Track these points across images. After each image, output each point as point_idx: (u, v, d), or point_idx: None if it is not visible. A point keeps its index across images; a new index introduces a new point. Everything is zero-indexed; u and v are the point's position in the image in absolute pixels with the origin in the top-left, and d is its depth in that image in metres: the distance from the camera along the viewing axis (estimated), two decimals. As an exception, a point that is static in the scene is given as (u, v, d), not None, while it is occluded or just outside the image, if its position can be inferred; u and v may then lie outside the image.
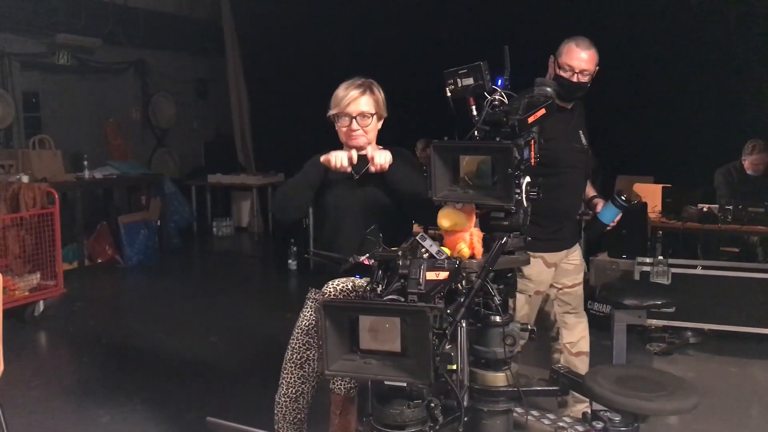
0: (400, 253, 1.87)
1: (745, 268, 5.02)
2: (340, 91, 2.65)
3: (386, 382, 1.73)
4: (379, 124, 2.72)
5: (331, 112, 2.66)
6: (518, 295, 3.21)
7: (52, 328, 5.60)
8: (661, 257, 5.01)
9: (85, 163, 7.63)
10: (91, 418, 3.88)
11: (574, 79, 3.10)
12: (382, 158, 2.56)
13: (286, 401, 2.73)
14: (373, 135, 2.70)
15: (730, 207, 5.00)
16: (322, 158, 2.63)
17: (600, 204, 3.37)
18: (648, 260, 4.96)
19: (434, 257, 1.89)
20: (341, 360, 1.69)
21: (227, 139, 10.46)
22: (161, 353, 4.94)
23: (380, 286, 1.85)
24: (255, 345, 5.15)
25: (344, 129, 2.66)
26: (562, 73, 3.12)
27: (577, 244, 3.49)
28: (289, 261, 7.48)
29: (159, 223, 8.28)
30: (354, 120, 2.63)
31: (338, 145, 2.70)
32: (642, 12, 6.75)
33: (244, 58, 9.90)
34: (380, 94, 2.69)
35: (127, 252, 7.70)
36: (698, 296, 4.79)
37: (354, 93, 2.62)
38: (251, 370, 4.62)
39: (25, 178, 6.24)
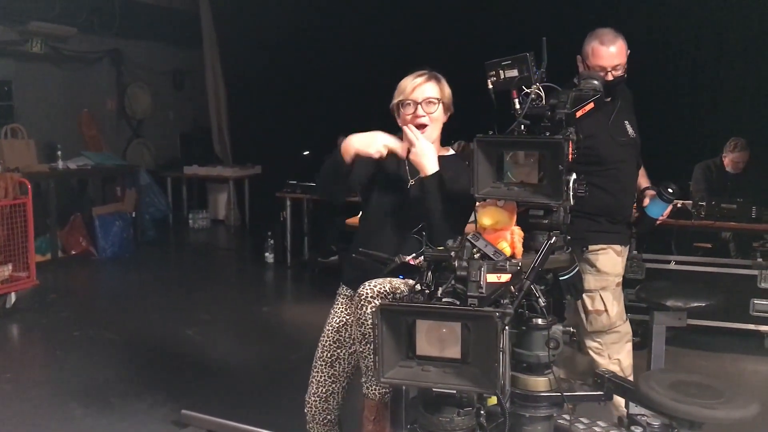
0: (453, 253, 1.77)
1: (718, 264, 5.10)
2: (405, 80, 2.59)
3: (434, 389, 1.65)
4: (445, 118, 2.61)
5: (395, 100, 2.57)
6: (605, 294, 3.14)
7: (24, 321, 5.53)
8: (635, 252, 5.07)
9: (59, 153, 7.52)
10: (64, 412, 3.84)
11: (609, 77, 2.99)
12: (418, 152, 2.45)
13: (316, 401, 2.66)
14: (437, 126, 2.59)
15: (704, 203, 5.07)
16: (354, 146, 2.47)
17: (648, 198, 3.26)
18: (623, 255, 5.00)
19: (491, 258, 1.78)
20: (398, 367, 1.61)
21: (204, 131, 10.37)
22: (136, 346, 4.90)
23: (431, 288, 1.75)
24: (231, 338, 5.11)
25: (408, 117, 2.56)
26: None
27: (628, 247, 3.35)
28: (266, 254, 7.44)
29: (134, 215, 8.19)
30: (419, 106, 2.54)
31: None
32: (623, 8, 6.77)
33: (221, 49, 9.81)
34: (446, 87, 2.61)
35: (101, 244, 7.61)
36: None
37: (419, 80, 2.56)
38: (227, 364, 4.60)
39: (-4, 168, 6.15)
